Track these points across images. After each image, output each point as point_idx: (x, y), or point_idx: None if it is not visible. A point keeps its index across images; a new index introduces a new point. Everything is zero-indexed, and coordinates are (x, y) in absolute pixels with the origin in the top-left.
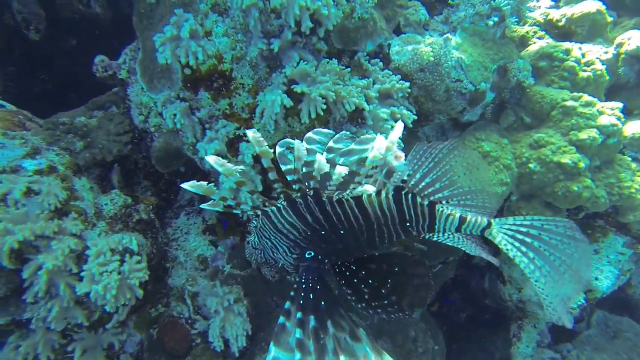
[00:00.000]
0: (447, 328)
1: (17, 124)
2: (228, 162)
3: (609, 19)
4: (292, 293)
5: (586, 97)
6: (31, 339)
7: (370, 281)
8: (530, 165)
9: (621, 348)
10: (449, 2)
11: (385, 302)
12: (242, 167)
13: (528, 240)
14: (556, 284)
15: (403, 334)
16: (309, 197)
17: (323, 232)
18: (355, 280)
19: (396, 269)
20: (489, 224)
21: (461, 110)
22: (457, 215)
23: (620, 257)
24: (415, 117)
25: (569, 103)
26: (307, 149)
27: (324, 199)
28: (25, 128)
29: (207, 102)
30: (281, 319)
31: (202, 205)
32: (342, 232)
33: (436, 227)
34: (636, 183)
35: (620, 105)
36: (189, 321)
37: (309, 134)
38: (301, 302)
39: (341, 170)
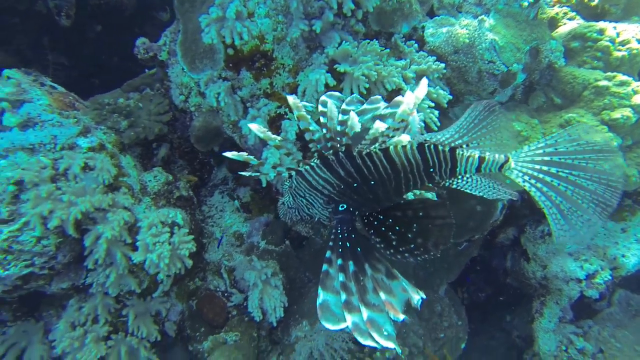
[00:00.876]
0: (466, 308)
1: (68, 105)
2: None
3: None
4: (330, 243)
5: (620, 77)
6: (91, 302)
7: (397, 228)
8: None
9: (638, 326)
10: None
11: (412, 245)
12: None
13: (546, 177)
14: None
15: (429, 308)
16: (341, 153)
17: (355, 185)
18: (383, 229)
19: (420, 214)
20: (507, 159)
21: (492, 92)
22: (477, 155)
23: None
24: (451, 97)
25: (602, 83)
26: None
27: (354, 154)
28: (75, 108)
29: (248, 82)
30: (325, 266)
31: (242, 173)
32: (372, 182)
33: (457, 170)
34: None
35: None
36: (225, 294)
37: (323, 97)
38: (340, 250)
39: (379, 126)
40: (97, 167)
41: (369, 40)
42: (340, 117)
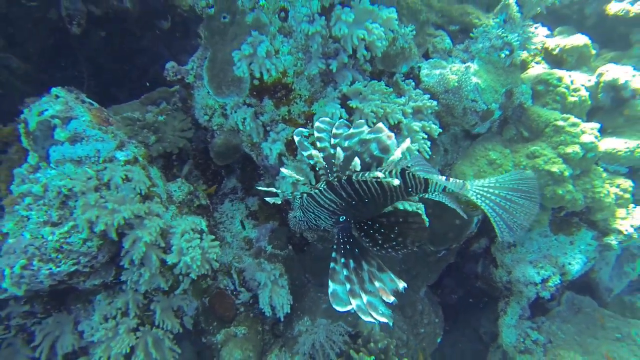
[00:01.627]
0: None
1: (104, 120)
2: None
3: (593, 52)
4: (334, 246)
5: (572, 119)
6: (123, 297)
7: (382, 230)
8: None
9: (582, 320)
10: (470, 35)
11: (394, 243)
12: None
13: (491, 196)
14: (510, 223)
15: (412, 307)
16: (343, 180)
17: (353, 202)
18: (372, 232)
19: (400, 220)
20: (465, 185)
21: (473, 124)
22: (443, 179)
23: (588, 247)
24: (440, 130)
25: (559, 123)
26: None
27: (353, 181)
28: (110, 123)
29: (270, 109)
30: (332, 264)
31: (267, 199)
32: (366, 200)
33: (429, 190)
34: (605, 189)
35: (597, 125)
36: (234, 293)
37: (317, 123)
38: (342, 251)
39: (356, 162)
40: (135, 179)
41: (377, 81)
42: (332, 140)
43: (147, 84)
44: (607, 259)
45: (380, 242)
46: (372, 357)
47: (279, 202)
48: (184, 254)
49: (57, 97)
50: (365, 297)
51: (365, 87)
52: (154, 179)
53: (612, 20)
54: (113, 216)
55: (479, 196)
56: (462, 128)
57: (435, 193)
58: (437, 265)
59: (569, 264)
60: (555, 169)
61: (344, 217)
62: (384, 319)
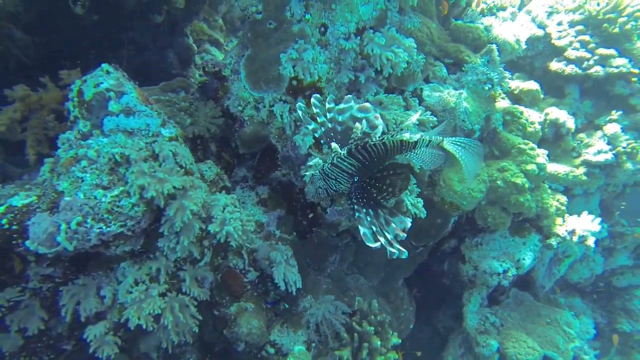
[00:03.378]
0: None
1: (146, 99)
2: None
3: (541, 96)
4: (354, 200)
5: (531, 144)
6: (155, 263)
7: (377, 184)
8: (498, 182)
9: (524, 310)
10: (461, 69)
11: (385, 193)
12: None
13: (460, 146)
14: (470, 164)
15: (395, 294)
16: (359, 145)
17: (367, 162)
18: (371, 186)
19: (390, 172)
20: (442, 140)
21: None
22: (427, 138)
23: (536, 247)
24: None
25: (522, 146)
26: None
27: (368, 147)
28: (149, 102)
29: (309, 119)
30: (357, 214)
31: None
32: (375, 159)
33: (417, 145)
34: (550, 201)
35: (546, 152)
36: (243, 272)
37: (313, 100)
38: (361, 204)
39: (360, 126)
40: (180, 154)
41: (396, 94)
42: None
43: None
44: (544, 260)
45: (374, 193)
46: (372, 328)
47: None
48: (227, 224)
49: (108, 72)
50: (388, 235)
51: (387, 98)
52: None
53: (552, 74)
54: (163, 185)
55: (452, 145)
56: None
57: (423, 148)
58: (414, 260)
59: (523, 259)
60: (519, 181)
61: (357, 178)
62: (402, 250)
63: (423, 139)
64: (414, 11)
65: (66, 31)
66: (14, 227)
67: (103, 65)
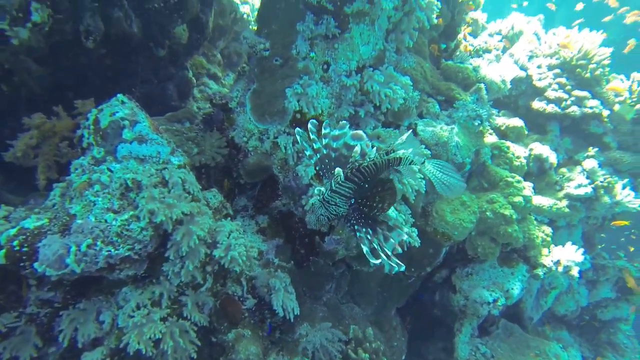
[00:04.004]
0: None
1: (156, 128)
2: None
3: (526, 132)
4: (353, 222)
5: (518, 177)
6: (158, 287)
7: (368, 203)
8: (488, 213)
9: (513, 341)
10: (453, 105)
11: (376, 210)
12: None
13: (440, 171)
14: (447, 188)
15: (388, 323)
16: (354, 168)
17: (361, 184)
18: (362, 206)
19: (379, 189)
20: (424, 162)
21: None
22: (410, 157)
23: (524, 278)
24: None
25: (509, 179)
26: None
27: (361, 168)
28: (160, 131)
29: (307, 145)
30: (358, 233)
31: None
32: (369, 179)
33: (401, 163)
34: (536, 233)
35: (531, 185)
36: (241, 299)
37: (309, 126)
38: (361, 224)
39: (358, 149)
40: (188, 181)
41: (392, 129)
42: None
43: None
44: (531, 291)
45: (366, 210)
46: (367, 355)
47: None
48: (232, 250)
49: (123, 102)
50: (386, 252)
51: (384, 132)
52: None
53: (535, 112)
54: (172, 210)
55: (430, 171)
56: None
57: (405, 166)
58: (406, 290)
59: (512, 289)
60: (507, 212)
61: (353, 200)
62: (401, 264)
63: (407, 157)
64: (409, 52)
65: (73, 63)
66: (25, 249)
67: (118, 95)
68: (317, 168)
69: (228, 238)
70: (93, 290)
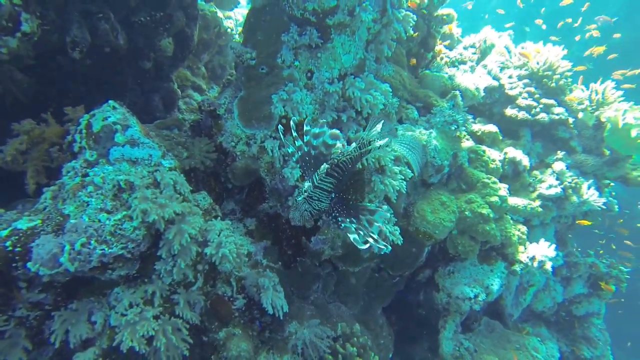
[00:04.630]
0: None
1: (147, 133)
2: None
3: (501, 138)
4: (335, 214)
5: (493, 178)
6: (151, 286)
7: (344, 196)
8: (466, 213)
9: (495, 337)
10: (430, 111)
11: (351, 202)
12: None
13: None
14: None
15: (374, 322)
16: (333, 164)
17: (340, 178)
18: (344, 196)
19: (352, 181)
20: (391, 142)
21: (430, 175)
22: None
23: (502, 274)
24: (412, 175)
25: (486, 180)
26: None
27: (340, 164)
28: (150, 136)
29: (290, 142)
30: (343, 224)
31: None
32: (346, 173)
33: (370, 150)
34: (512, 231)
35: (507, 186)
36: (231, 299)
37: (291, 123)
38: (344, 215)
39: (339, 146)
40: (179, 182)
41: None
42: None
43: None
44: (510, 288)
45: (347, 201)
46: (355, 349)
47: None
48: (222, 247)
49: (114, 108)
50: (374, 236)
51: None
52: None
53: (508, 119)
54: (164, 210)
55: (399, 145)
56: (420, 178)
57: (374, 151)
58: (391, 291)
59: (491, 285)
60: (484, 211)
61: (333, 194)
62: (387, 246)
63: (373, 142)
64: (388, 61)
65: (57, 73)
66: (18, 249)
67: (110, 101)
68: (298, 165)
69: (219, 236)
70: (84, 292)
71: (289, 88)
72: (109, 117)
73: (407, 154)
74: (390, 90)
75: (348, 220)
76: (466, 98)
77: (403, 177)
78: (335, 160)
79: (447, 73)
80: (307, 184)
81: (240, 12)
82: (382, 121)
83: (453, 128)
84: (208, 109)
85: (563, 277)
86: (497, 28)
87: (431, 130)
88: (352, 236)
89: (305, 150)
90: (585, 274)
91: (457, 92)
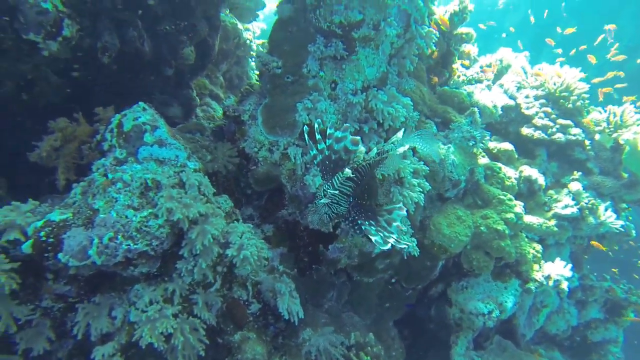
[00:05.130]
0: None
1: (173, 135)
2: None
3: (516, 156)
4: (355, 217)
5: (509, 196)
6: (171, 285)
7: (359, 201)
8: (482, 228)
9: (506, 356)
10: (449, 127)
11: (368, 202)
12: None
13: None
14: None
15: (386, 333)
16: (354, 169)
17: (359, 182)
18: (361, 201)
19: (367, 187)
20: (405, 147)
21: (446, 190)
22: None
23: (516, 292)
24: (430, 188)
25: (502, 197)
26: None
27: (359, 168)
28: (176, 138)
29: (312, 145)
30: (363, 227)
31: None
32: (364, 177)
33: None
34: (527, 249)
35: (522, 203)
36: (246, 303)
37: (316, 125)
38: (362, 217)
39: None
40: (204, 184)
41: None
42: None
43: None
44: (524, 308)
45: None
46: (369, 357)
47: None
48: (244, 249)
49: (144, 109)
50: (394, 237)
51: (388, 147)
52: None
53: (524, 138)
54: (189, 209)
55: (414, 139)
56: (437, 192)
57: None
58: (403, 303)
59: (505, 302)
60: (500, 227)
61: (351, 198)
62: (408, 243)
63: (391, 149)
64: (409, 76)
65: (86, 76)
66: (51, 240)
67: (140, 103)
68: (320, 173)
69: (240, 238)
70: (106, 287)
71: (313, 97)
72: (139, 117)
73: (424, 146)
74: (412, 104)
75: (367, 222)
76: (484, 115)
77: (421, 190)
78: (356, 165)
79: (465, 90)
80: (328, 188)
81: (259, 26)
82: (403, 129)
83: (471, 144)
84: (233, 114)
85: (578, 301)
86: (512, 48)
87: (449, 145)
88: (374, 238)
89: (327, 154)
90: (601, 298)
91: (476, 109)
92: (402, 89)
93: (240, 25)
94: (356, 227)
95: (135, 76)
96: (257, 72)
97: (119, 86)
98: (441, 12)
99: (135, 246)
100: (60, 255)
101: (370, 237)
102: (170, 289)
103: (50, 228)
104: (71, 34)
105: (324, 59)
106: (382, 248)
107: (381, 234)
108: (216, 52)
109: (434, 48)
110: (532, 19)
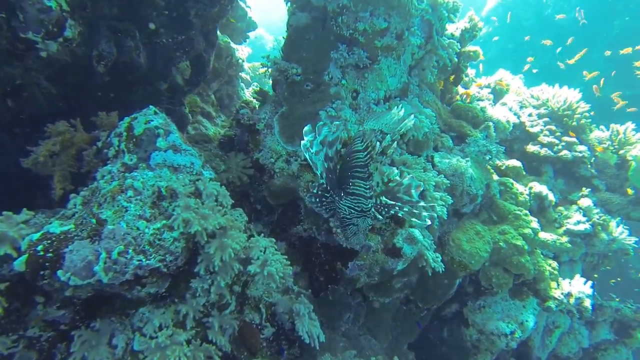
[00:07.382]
0: None
1: (185, 141)
2: None
3: (524, 173)
4: (375, 214)
5: (525, 210)
6: (183, 306)
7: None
8: (501, 244)
9: None
10: (465, 141)
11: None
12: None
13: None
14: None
15: (404, 357)
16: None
17: (370, 181)
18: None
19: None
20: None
21: (464, 205)
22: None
23: (535, 311)
24: (452, 202)
25: (517, 212)
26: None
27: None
28: (190, 144)
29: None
30: (392, 211)
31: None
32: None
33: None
34: (544, 265)
35: (536, 219)
36: (259, 327)
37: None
38: (395, 208)
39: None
40: (222, 194)
41: (418, 156)
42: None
43: None
44: (538, 328)
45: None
46: None
47: None
48: (269, 265)
49: (156, 113)
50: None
51: (411, 158)
52: None
53: (529, 155)
54: (208, 221)
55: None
56: (454, 207)
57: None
58: (416, 324)
59: (526, 321)
60: (519, 243)
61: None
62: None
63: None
64: (428, 88)
65: (78, 85)
66: (49, 255)
67: (151, 106)
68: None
69: (264, 253)
70: (105, 311)
71: (336, 105)
72: (152, 120)
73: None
74: (434, 114)
75: (396, 207)
76: (498, 130)
77: (444, 203)
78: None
79: (478, 105)
80: (368, 202)
81: (247, 50)
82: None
83: (487, 158)
84: (247, 122)
85: (587, 321)
86: (492, 71)
87: (467, 159)
88: (405, 214)
89: (326, 166)
90: (610, 317)
91: (491, 124)
92: (423, 100)
93: (233, 45)
94: (388, 215)
95: (128, 89)
96: (270, 81)
97: (109, 99)
98: (452, 29)
99: (147, 262)
100: (59, 273)
101: (402, 213)
102: (183, 312)
103: (49, 241)
104: (73, 35)
105: (345, 67)
106: (424, 224)
107: (415, 211)
108: (211, 69)
109: (456, 60)
110: None
